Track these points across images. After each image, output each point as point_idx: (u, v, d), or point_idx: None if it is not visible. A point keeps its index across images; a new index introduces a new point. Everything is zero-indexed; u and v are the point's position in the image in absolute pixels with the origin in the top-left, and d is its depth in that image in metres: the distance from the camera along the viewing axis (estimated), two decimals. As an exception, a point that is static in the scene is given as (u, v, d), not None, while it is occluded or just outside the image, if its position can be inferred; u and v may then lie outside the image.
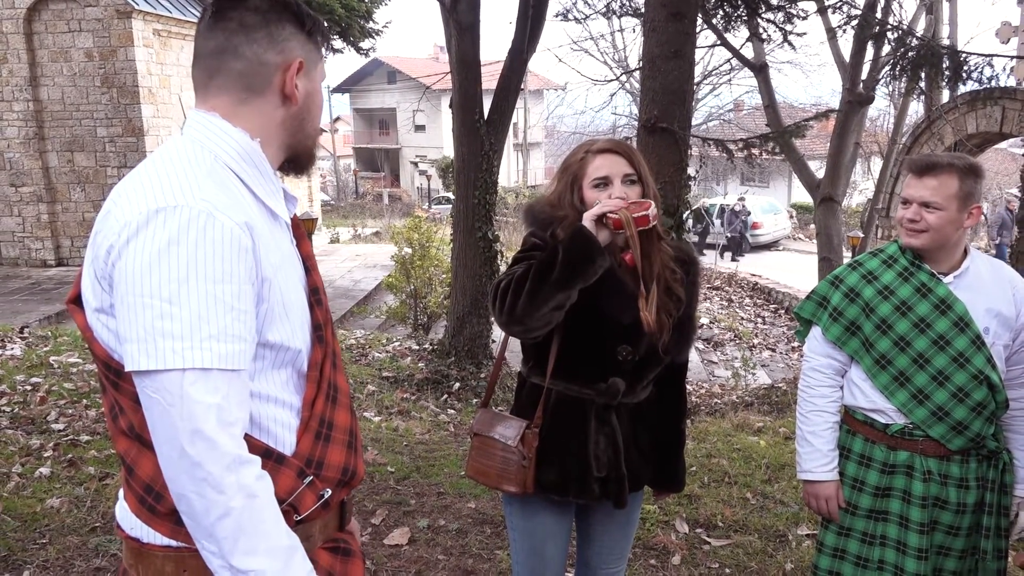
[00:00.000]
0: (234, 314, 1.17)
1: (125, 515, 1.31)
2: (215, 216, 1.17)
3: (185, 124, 1.32)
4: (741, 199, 22.94)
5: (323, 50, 1.40)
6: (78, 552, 3.35)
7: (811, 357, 2.37)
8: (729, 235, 22.05)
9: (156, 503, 1.24)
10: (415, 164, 36.32)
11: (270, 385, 1.29)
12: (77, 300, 1.29)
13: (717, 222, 22.85)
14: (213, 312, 1.15)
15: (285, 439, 1.30)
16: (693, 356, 10.53)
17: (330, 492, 1.34)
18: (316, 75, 1.38)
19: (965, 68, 7.93)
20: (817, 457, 2.32)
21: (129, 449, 1.25)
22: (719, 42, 11.41)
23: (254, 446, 1.24)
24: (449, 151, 11.60)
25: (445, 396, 6.83)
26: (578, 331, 1.93)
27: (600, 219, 1.87)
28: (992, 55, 7.91)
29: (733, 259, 21.36)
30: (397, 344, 8.61)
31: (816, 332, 2.36)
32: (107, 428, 4.71)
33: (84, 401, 5.31)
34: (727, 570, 3.42)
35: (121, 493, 1.33)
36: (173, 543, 1.25)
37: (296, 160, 1.41)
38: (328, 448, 1.35)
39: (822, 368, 2.34)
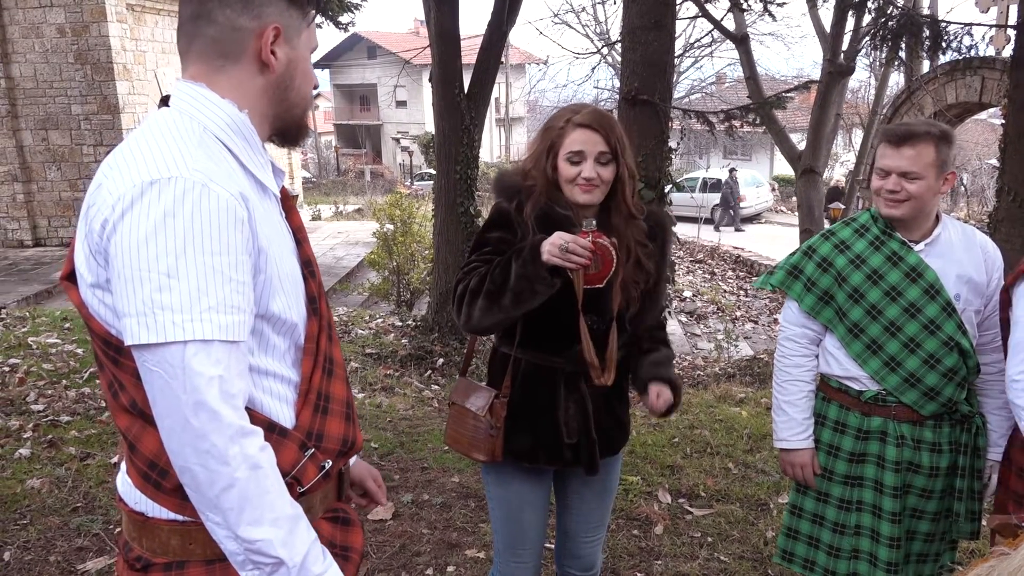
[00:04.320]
0: (232, 285, 1.16)
1: (128, 490, 1.31)
2: (210, 187, 1.15)
3: (171, 97, 1.28)
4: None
5: (310, 16, 1.35)
6: (60, 532, 3.34)
7: (786, 327, 2.38)
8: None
9: (161, 479, 1.23)
10: (397, 140, 35.94)
11: (269, 359, 1.28)
12: (71, 276, 1.26)
13: (700, 196, 22.70)
14: (212, 283, 1.13)
15: (285, 413, 1.31)
16: (676, 328, 10.58)
17: (330, 463, 1.35)
18: (300, 43, 1.33)
19: (945, 38, 7.91)
20: (792, 426, 2.34)
21: (131, 426, 1.24)
22: (700, 13, 11.36)
23: (257, 420, 1.23)
24: (431, 127, 11.48)
25: (429, 372, 6.83)
26: (545, 301, 1.94)
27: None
28: (972, 24, 7.90)
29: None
30: (380, 321, 8.59)
31: (791, 302, 2.37)
32: (93, 408, 4.70)
33: (64, 382, 5.27)
34: (709, 539, 3.46)
35: (123, 467, 1.32)
36: (180, 517, 1.25)
37: (285, 132, 1.38)
38: (327, 420, 1.36)
39: (797, 338, 2.35)
